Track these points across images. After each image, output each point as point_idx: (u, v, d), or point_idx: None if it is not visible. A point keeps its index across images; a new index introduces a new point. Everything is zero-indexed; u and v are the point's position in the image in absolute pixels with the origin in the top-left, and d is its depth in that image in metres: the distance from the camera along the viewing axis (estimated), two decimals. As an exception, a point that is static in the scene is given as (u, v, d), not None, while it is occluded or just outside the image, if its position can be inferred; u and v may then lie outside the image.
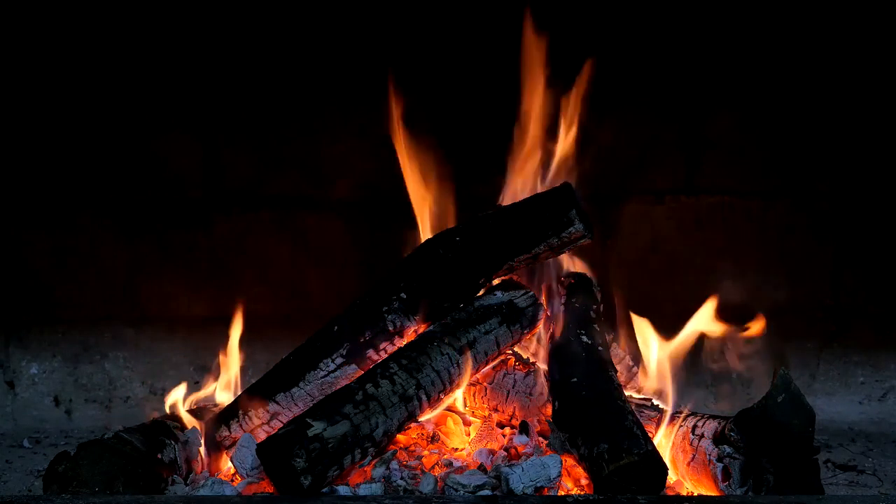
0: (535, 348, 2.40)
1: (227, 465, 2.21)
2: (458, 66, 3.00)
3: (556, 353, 2.22)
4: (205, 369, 3.09)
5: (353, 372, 2.20)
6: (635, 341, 2.42)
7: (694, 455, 2.01)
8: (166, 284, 3.09)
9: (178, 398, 2.30)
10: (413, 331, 2.25)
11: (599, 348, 2.21)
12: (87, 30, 2.99)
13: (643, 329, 2.38)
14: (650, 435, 1.97)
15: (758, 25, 3.03)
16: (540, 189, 2.42)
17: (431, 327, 2.20)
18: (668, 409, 2.18)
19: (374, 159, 3.03)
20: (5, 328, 3.11)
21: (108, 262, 3.09)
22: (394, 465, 2.01)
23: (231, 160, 3.10)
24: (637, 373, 2.44)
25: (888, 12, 2.99)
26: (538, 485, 1.90)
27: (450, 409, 2.31)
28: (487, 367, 2.25)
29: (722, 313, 2.37)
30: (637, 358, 2.44)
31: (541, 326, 2.32)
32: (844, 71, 3.05)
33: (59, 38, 2.99)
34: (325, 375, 2.21)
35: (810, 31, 3.03)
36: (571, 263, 2.50)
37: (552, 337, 2.29)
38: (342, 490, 1.90)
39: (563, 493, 1.92)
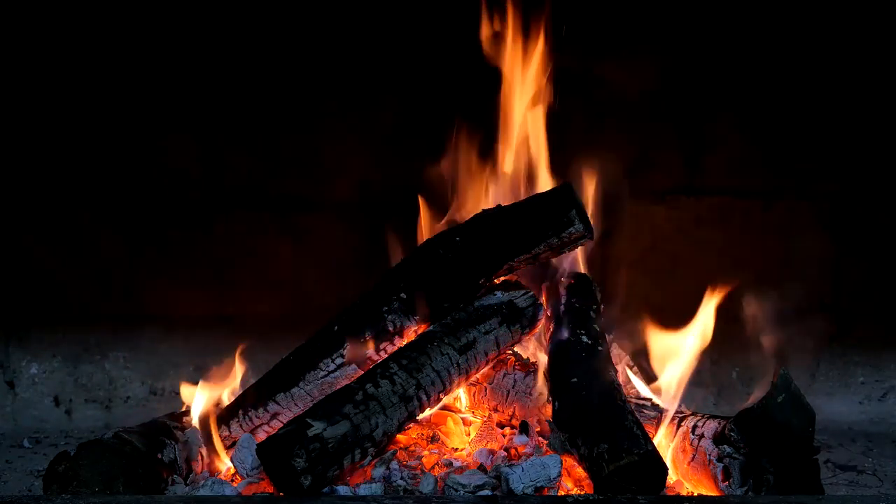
0: (535, 348, 2.40)
1: (227, 465, 2.21)
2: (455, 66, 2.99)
3: (556, 353, 2.22)
4: (205, 369, 3.09)
5: (353, 372, 2.20)
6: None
7: (694, 455, 2.01)
8: (166, 284, 3.09)
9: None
10: (413, 331, 2.25)
11: (599, 348, 2.21)
12: (88, 30, 2.98)
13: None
14: (650, 435, 1.97)
15: (758, 26, 3.03)
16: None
17: (431, 327, 2.20)
18: (669, 409, 2.19)
19: (374, 159, 3.03)
20: (5, 328, 3.10)
21: (108, 262, 3.09)
22: (394, 465, 2.01)
23: (231, 160, 3.10)
24: (637, 373, 2.44)
25: (887, 12, 2.99)
26: (538, 485, 1.90)
27: (450, 409, 2.31)
28: (487, 367, 2.25)
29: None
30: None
31: (541, 326, 2.32)
32: (845, 71, 3.05)
33: (60, 38, 2.99)
34: (325, 375, 2.22)
35: (810, 31, 3.03)
36: (571, 263, 2.50)
37: (552, 337, 2.29)
38: (342, 490, 1.90)
39: (563, 493, 1.92)
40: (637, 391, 2.38)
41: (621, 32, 3.03)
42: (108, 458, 1.94)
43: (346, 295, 2.42)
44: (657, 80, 3.05)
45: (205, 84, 3.04)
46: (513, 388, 2.27)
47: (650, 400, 2.28)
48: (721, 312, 2.38)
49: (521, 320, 2.24)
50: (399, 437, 2.12)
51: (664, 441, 2.10)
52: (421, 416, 2.14)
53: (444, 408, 2.29)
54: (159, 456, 2.03)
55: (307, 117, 3.07)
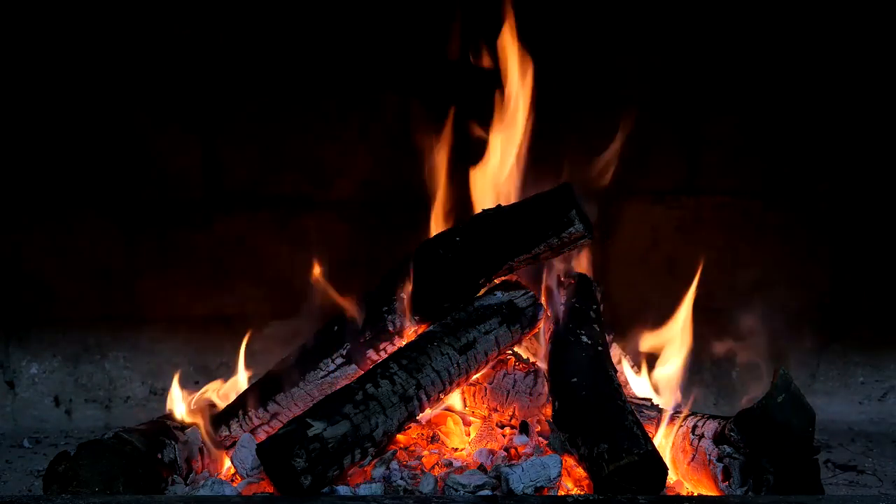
0: (535, 348, 2.40)
1: (226, 465, 2.21)
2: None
3: (556, 353, 2.23)
4: (205, 369, 3.09)
5: (353, 372, 2.21)
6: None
7: (694, 455, 2.01)
8: (166, 284, 3.09)
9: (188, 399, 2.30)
10: (413, 331, 2.25)
11: (599, 348, 2.21)
12: (88, 28, 2.98)
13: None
14: (650, 435, 1.97)
15: (757, 27, 3.03)
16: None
17: (431, 327, 2.20)
18: (668, 409, 2.19)
19: (374, 159, 3.03)
20: (5, 328, 3.10)
21: (108, 262, 3.09)
22: (394, 465, 2.01)
23: (231, 160, 3.10)
24: (637, 373, 2.44)
25: (886, 14, 2.99)
26: (538, 485, 1.90)
27: (450, 409, 2.31)
28: (487, 367, 2.25)
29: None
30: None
31: (541, 326, 2.32)
32: (844, 72, 3.05)
33: (59, 36, 2.99)
34: (325, 375, 2.22)
35: (810, 33, 3.03)
36: (571, 263, 2.50)
37: (552, 337, 2.29)
38: (342, 490, 1.90)
39: (563, 493, 1.92)
40: (637, 391, 2.38)
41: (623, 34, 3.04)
42: (108, 458, 1.94)
43: (346, 295, 2.42)
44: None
45: (206, 85, 3.05)
46: (513, 388, 2.27)
47: (650, 400, 2.28)
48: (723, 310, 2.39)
49: (521, 320, 2.24)
50: (399, 437, 2.12)
51: (664, 441, 2.10)
52: (421, 416, 2.14)
53: (444, 408, 2.29)
54: (159, 456, 2.03)
55: (308, 117, 3.07)
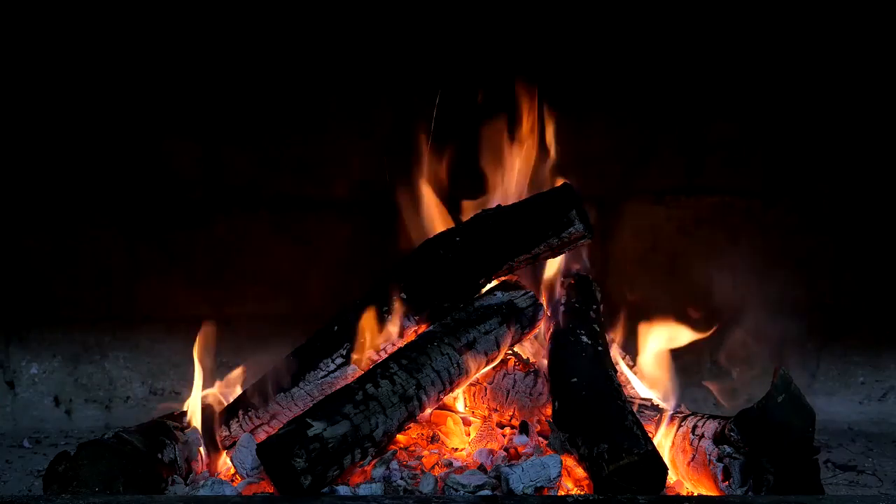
0: (535, 348, 2.40)
1: (227, 465, 2.21)
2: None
3: (556, 353, 2.23)
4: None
5: (353, 372, 2.21)
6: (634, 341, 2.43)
7: (694, 455, 2.01)
8: (166, 284, 3.09)
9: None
10: (413, 331, 2.25)
11: (599, 348, 2.22)
12: (89, 30, 2.98)
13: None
14: (650, 435, 1.97)
15: (757, 27, 3.03)
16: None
17: (431, 327, 2.20)
18: (669, 409, 2.19)
19: (374, 159, 3.03)
20: (5, 328, 3.10)
21: (108, 262, 3.09)
22: (394, 465, 2.01)
23: (231, 160, 3.09)
24: (637, 373, 2.45)
25: (885, 14, 2.99)
26: (538, 485, 1.90)
27: (450, 409, 2.31)
28: (487, 367, 2.25)
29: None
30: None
31: (541, 326, 2.32)
32: (844, 72, 3.05)
33: (61, 39, 2.99)
34: (325, 375, 2.22)
35: (810, 33, 3.03)
36: (571, 263, 2.50)
37: (552, 337, 2.29)
38: (342, 490, 1.90)
39: (563, 493, 1.92)
40: (637, 391, 2.38)
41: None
42: (108, 458, 1.94)
43: (345, 295, 2.42)
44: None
45: (206, 85, 3.04)
46: (513, 388, 2.28)
47: (650, 400, 2.28)
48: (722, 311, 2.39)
49: (521, 320, 2.24)
50: (399, 437, 2.12)
51: (664, 441, 2.10)
52: (421, 416, 2.14)
53: (444, 408, 2.29)
54: (159, 456, 2.03)
55: (308, 117, 3.07)
